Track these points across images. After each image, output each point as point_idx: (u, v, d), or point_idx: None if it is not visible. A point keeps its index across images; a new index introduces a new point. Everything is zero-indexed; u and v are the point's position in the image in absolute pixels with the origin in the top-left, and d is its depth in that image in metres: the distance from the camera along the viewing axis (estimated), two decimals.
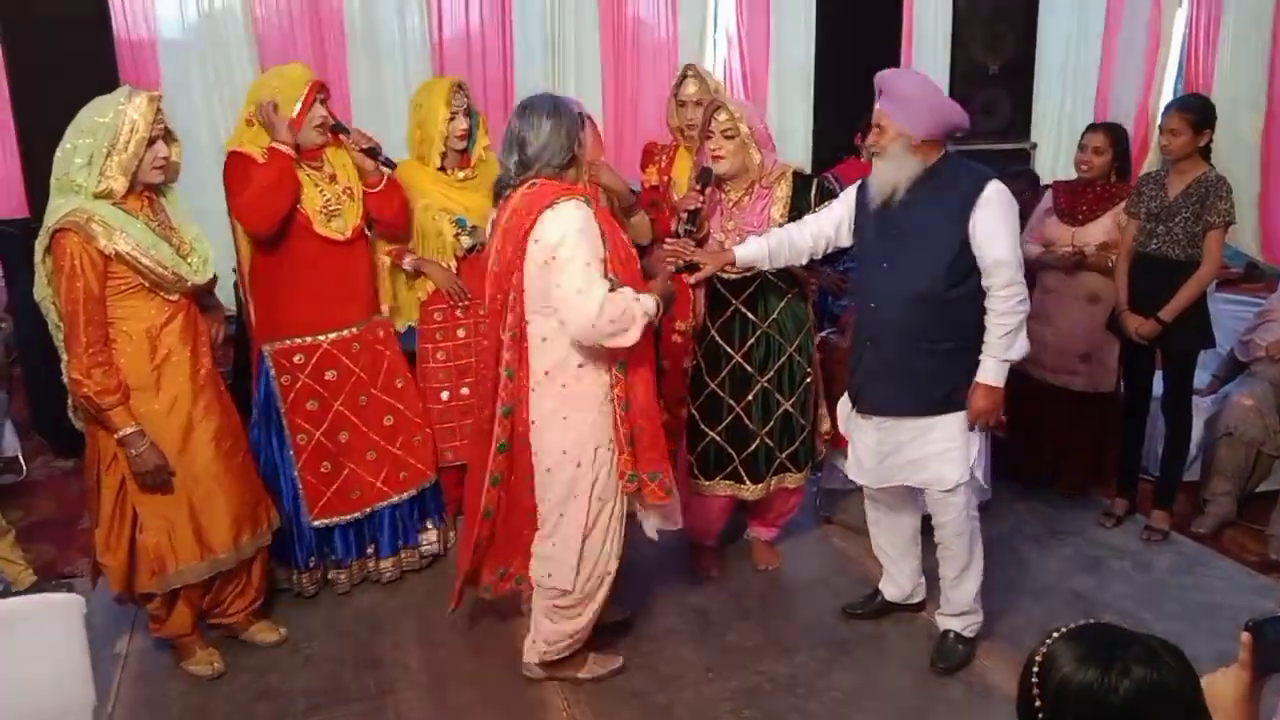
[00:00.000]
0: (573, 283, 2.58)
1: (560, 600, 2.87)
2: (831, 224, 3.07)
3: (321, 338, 3.33)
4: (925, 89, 2.84)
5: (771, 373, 3.33)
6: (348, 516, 3.44)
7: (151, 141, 2.74)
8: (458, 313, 3.64)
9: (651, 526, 2.93)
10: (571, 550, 2.79)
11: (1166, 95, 7.53)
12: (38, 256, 2.75)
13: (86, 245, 2.63)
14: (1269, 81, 7.06)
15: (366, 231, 3.42)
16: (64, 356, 2.75)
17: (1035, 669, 1.18)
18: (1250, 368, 4.16)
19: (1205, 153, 3.63)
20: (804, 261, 3.15)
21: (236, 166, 3.18)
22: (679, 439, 3.55)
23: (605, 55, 6.75)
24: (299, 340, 3.31)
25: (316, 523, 3.38)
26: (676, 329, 3.60)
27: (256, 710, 2.93)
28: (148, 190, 2.82)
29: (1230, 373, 4.28)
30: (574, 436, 2.72)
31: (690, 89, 3.65)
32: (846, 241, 3.08)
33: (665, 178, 3.79)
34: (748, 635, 3.25)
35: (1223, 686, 1.25)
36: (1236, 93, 6.98)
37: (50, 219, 2.69)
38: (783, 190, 3.25)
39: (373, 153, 3.33)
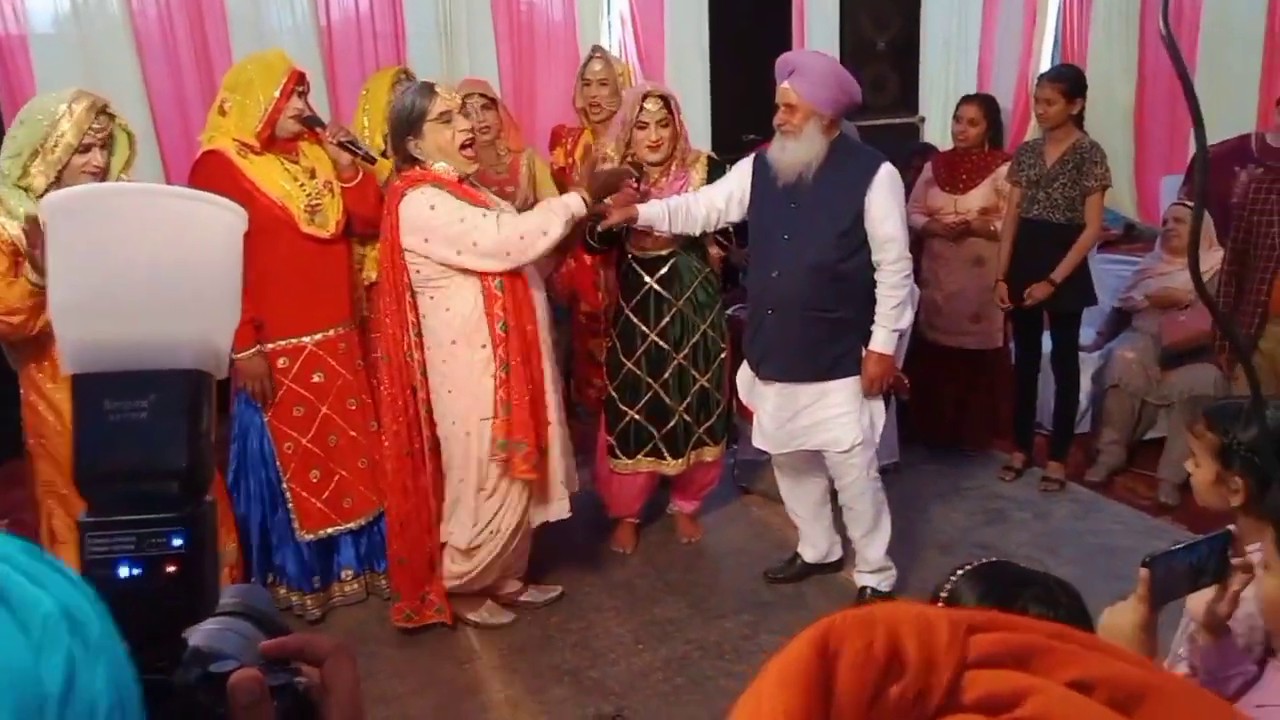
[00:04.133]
0: (464, 238, 2.76)
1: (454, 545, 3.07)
2: (722, 198, 3.13)
3: (307, 339, 3.12)
4: (835, 68, 2.94)
5: (687, 349, 3.40)
6: (341, 527, 3.24)
7: (86, 149, 2.64)
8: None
9: (538, 516, 3.08)
10: (468, 509, 2.97)
11: (1044, 66, 7.79)
12: None
13: None
14: (1140, 50, 7.38)
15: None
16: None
17: (939, 605, 1.27)
18: (1132, 323, 4.40)
19: (1079, 120, 3.82)
20: (697, 231, 3.20)
21: (212, 172, 2.92)
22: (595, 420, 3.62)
23: (500, 39, 6.70)
24: (283, 343, 3.09)
25: (308, 536, 3.19)
26: (582, 310, 3.69)
27: None
28: None
29: (1113, 329, 4.51)
30: (460, 408, 2.90)
31: (595, 68, 3.76)
32: (735, 217, 3.15)
33: (571, 160, 3.88)
34: (674, 606, 3.33)
35: (1122, 618, 1.35)
36: (1110, 62, 7.27)
37: None
38: (698, 174, 3.33)
39: (349, 147, 3.13)
